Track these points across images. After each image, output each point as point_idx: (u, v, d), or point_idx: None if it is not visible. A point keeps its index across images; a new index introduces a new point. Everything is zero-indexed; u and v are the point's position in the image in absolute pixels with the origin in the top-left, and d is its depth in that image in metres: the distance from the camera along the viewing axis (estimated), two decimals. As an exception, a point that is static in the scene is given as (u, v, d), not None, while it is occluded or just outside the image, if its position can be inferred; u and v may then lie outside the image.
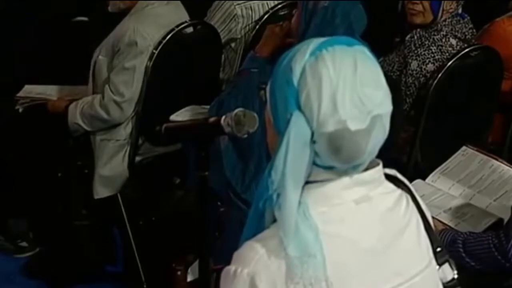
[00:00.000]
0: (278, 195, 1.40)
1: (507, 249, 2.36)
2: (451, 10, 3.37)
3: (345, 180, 1.45)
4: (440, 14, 3.37)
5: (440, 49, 3.32)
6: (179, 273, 3.27)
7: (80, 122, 3.43)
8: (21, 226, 3.80)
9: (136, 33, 3.32)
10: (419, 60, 3.30)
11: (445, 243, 2.42)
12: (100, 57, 3.44)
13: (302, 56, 1.43)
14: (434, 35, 3.34)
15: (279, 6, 3.80)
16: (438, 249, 1.57)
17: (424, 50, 3.32)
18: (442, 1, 3.34)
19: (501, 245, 2.37)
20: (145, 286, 3.52)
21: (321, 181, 1.45)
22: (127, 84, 3.34)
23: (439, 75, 3.18)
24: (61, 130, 3.49)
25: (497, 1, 3.93)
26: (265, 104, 1.49)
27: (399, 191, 1.54)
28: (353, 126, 1.39)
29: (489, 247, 2.40)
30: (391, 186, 1.54)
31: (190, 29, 3.51)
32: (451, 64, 3.20)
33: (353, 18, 2.65)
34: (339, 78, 1.39)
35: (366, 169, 1.48)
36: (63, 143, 3.58)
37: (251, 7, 3.80)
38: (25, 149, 3.63)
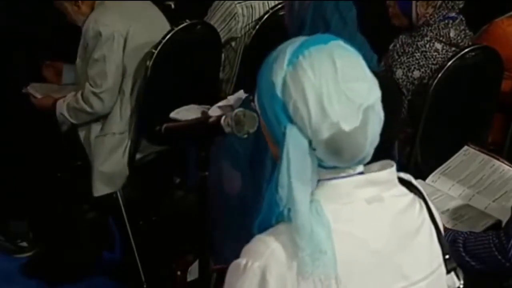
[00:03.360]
0: (289, 210, 1.40)
1: (507, 248, 2.35)
2: (427, 14, 3.34)
3: (358, 178, 1.46)
4: (415, 17, 3.35)
5: (424, 55, 3.31)
6: (179, 273, 3.27)
7: (66, 115, 3.47)
8: (21, 226, 3.80)
9: (98, 23, 3.36)
10: (403, 68, 3.29)
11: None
12: (77, 60, 3.47)
13: (281, 67, 1.42)
14: (418, 41, 3.33)
15: (279, 6, 3.80)
16: (447, 256, 1.57)
17: (408, 58, 3.31)
18: (413, 4, 3.33)
19: (501, 244, 2.37)
20: (145, 286, 3.52)
21: (332, 178, 1.45)
22: (101, 74, 3.38)
23: (439, 75, 3.18)
24: (53, 128, 3.51)
25: (498, 2, 3.91)
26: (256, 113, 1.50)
27: (411, 195, 1.54)
28: (347, 126, 1.39)
29: (489, 247, 2.39)
30: (404, 189, 1.54)
31: (189, 29, 3.51)
32: (451, 64, 3.20)
33: (342, 8, 2.64)
34: (321, 82, 1.39)
35: (379, 169, 1.49)
36: (60, 142, 3.58)
37: (251, 5, 3.79)
38: (25, 149, 3.63)
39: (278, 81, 1.41)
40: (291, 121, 1.40)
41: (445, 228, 2.54)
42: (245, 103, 2.84)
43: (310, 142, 1.40)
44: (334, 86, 1.39)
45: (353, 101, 1.39)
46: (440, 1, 3.32)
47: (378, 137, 1.45)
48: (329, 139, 1.39)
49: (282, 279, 1.40)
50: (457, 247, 2.43)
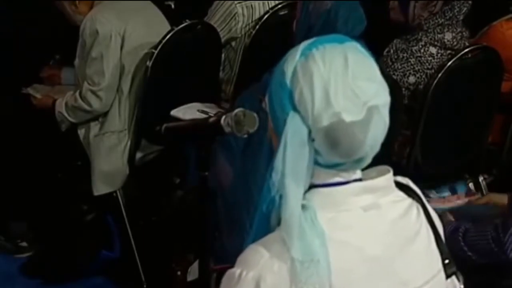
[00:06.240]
0: (281, 196, 1.40)
1: (504, 241, 2.40)
2: (422, 18, 3.32)
3: (354, 186, 1.45)
4: (411, 17, 3.35)
5: (419, 60, 3.30)
6: (179, 273, 3.27)
7: (65, 113, 3.48)
8: (21, 226, 3.80)
9: (95, 21, 3.37)
10: (397, 75, 3.29)
11: (447, 232, 2.44)
12: (76, 60, 3.48)
13: (293, 58, 1.44)
14: (413, 46, 3.32)
15: (280, 6, 3.80)
16: (447, 261, 1.56)
17: (402, 64, 3.31)
18: (411, 4, 3.33)
19: (498, 237, 2.41)
20: (145, 286, 3.52)
21: (328, 184, 1.45)
22: (99, 73, 3.38)
23: (439, 75, 3.18)
24: (53, 128, 3.52)
25: (497, 2, 3.91)
26: (267, 113, 1.50)
27: (409, 200, 1.53)
28: (348, 117, 1.39)
29: (486, 239, 2.44)
30: (401, 194, 1.53)
31: (189, 29, 3.52)
32: (451, 65, 3.20)
33: (353, 22, 2.65)
34: (330, 73, 1.40)
35: (376, 176, 1.48)
36: (59, 142, 3.59)
37: (251, 5, 3.80)
38: (25, 149, 3.64)
39: (289, 70, 1.43)
40: (294, 109, 1.41)
41: (450, 220, 2.58)
42: (250, 101, 2.84)
43: (309, 133, 1.40)
44: (342, 80, 1.39)
45: (358, 97, 1.39)
46: (437, 8, 3.31)
47: (379, 143, 1.44)
48: (328, 127, 1.39)
49: None
50: (457, 236, 2.48)
